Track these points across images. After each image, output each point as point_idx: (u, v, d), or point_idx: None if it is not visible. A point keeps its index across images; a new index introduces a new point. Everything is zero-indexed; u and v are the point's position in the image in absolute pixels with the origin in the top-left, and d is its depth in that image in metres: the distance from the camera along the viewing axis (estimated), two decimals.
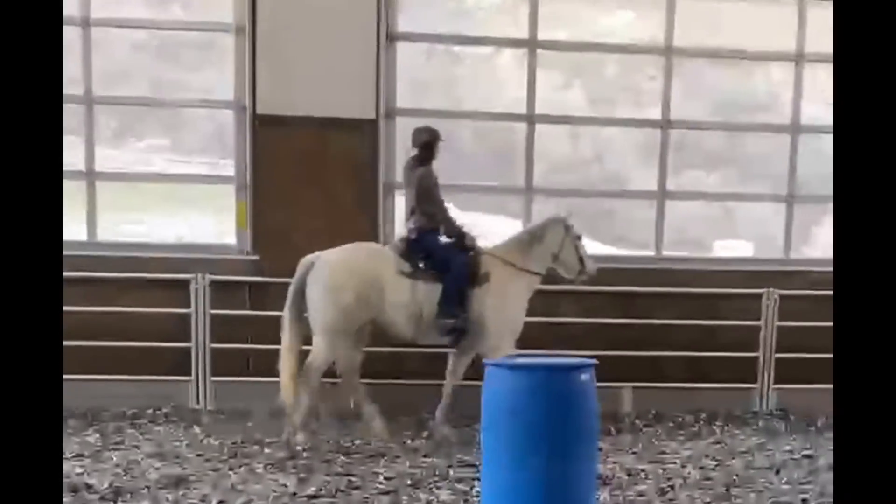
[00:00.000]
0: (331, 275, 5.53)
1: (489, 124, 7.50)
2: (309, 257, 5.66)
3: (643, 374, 6.71)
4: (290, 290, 5.62)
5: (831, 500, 4.18)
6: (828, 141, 7.31)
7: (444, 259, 5.72)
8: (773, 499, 4.29)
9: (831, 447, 5.28)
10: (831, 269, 6.93)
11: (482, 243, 5.96)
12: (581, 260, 5.97)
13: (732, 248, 7.72)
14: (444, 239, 5.86)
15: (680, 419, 6.45)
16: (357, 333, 5.66)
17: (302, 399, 5.52)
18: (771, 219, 7.46)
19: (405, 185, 6.00)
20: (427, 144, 5.80)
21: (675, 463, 5.14)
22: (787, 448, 5.45)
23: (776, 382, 6.81)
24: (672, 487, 4.55)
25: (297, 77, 6.56)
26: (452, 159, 6.89)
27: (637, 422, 6.33)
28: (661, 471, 4.93)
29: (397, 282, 5.61)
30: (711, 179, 7.81)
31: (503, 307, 5.76)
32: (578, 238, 6.04)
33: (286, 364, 5.54)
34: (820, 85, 7.15)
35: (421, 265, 5.70)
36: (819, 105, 7.25)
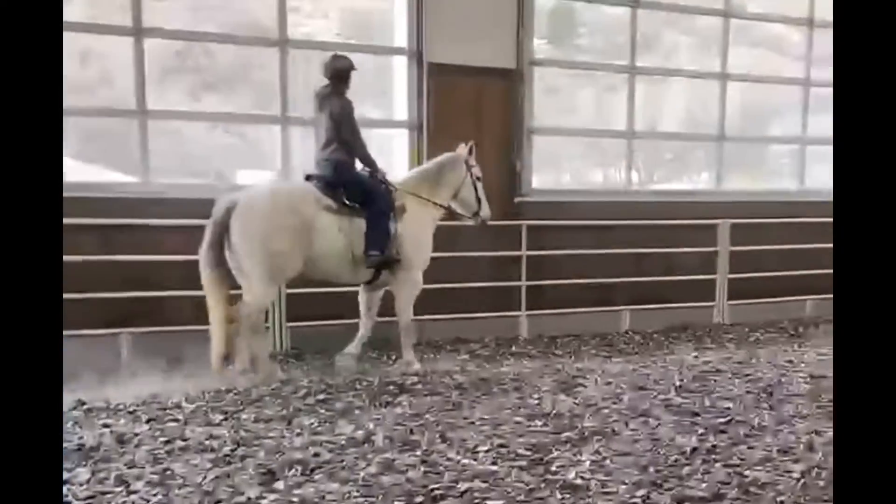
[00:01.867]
0: (260, 218, 5.31)
1: None
2: (227, 199, 5.36)
3: None
4: (209, 233, 5.29)
5: (344, 451, 3.99)
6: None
7: (368, 192, 5.70)
8: (280, 454, 3.87)
9: (345, 392, 5.26)
10: None
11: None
12: (478, 201, 6.28)
13: (255, 177, 7.24)
14: (361, 171, 5.80)
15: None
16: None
17: (241, 345, 5.45)
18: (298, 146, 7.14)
19: (317, 114, 5.78)
20: (342, 73, 5.69)
21: (177, 421, 4.49)
22: (303, 392, 5.14)
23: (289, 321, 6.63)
24: (169, 454, 3.89)
25: None
26: None
27: None
28: (157, 433, 4.23)
29: (325, 218, 5.52)
30: (230, 104, 7.19)
31: (418, 239, 5.95)
32: (478, 178, 6.29)
33: (220, 324, 5.35)
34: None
35: (345, 199, 5.63)
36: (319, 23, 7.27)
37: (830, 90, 8.90)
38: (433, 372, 5.93)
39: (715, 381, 5.54)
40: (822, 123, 8.97)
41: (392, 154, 7.51)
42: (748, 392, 5.15)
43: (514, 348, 7.04)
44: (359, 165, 5.83)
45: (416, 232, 5.94)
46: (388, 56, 7.43)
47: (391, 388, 5.36)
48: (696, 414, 4.64)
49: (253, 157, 7.54)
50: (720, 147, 8.51)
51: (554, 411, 4.73)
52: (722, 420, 4.50)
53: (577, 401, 4.98)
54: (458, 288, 7.04)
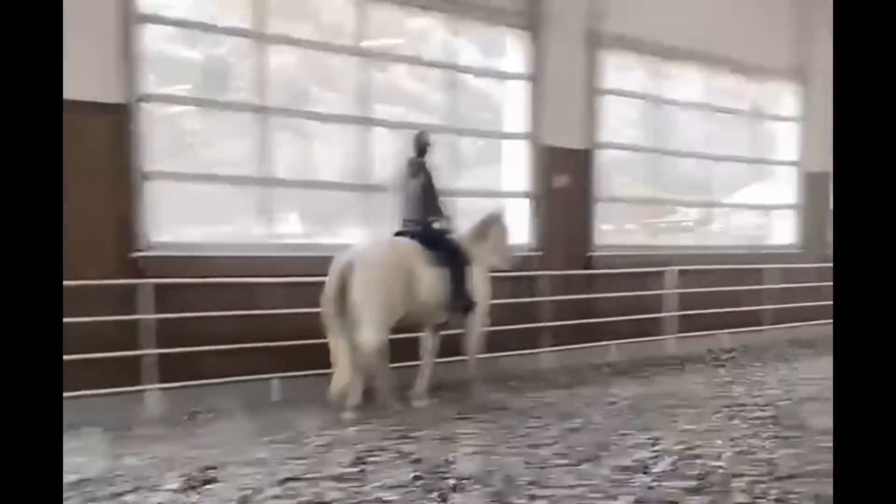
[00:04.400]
0: (379, 272, 6.24)
1: None
2: (345, 256, 6.25)
3: None
4: (332, 289, 6.18)
5: None
6: None
7: (451, 247, 6.84)
8: None
9: None
10: None
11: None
12: (508, 253, 7.48)
13: None
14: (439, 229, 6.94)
15: None
16: None
17: (356, 387, 6.34)
18: None
19: (405, 182, 6.89)
20: (427, 147, 6.97)
21: None
22: None
23: None
24: None
25: None
26: None
27: None
28: None
29: (426, 271, 6.56)
30: None
31: (482, 289, 7.08)
32: (507, 232, 7.50)
33: (345, 366, 6.19)
34: None
35: (437, 254, 6.66)
36: None
37: (478, 143, 9.26)
38: None
39: (376, 462, 4.97)
40: (469, 177, 9.17)
41: None
42: (415, 478, 4.60)
43: (140, 431, 5.85)
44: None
45: (479, 283, 7.05)
46: None
47: None
48: None
49: None
50: (368, 199, 8.16)
51: None
52: None
53: None
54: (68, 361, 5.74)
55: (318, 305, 7.19)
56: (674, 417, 6.23)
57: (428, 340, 7.17)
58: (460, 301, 6.81)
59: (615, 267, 9.68)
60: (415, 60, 8.67)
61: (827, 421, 5.80)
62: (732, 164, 11.75)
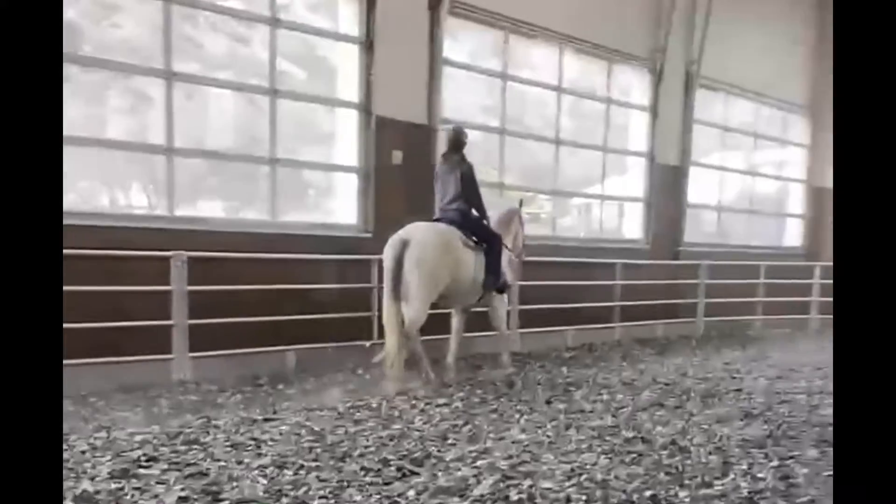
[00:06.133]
0: (431, 252, 6.91)
1: None
2: (399, 237, 6.91)
3: None
4: (391, 267, 6.84)
5: None
6: None
7: (488, 234, 7.59)
8: None
9: None
10: None
11: None
12: (523, 243, 8.53)
13: None
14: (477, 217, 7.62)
15: None
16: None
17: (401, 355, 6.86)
18: None
19: (445, 174, 7.54)
20: (464, 142, 7.62)
21: None
22: None
23: None
24: None
25: None
26: None
27: None
28: None
29: (465, 253, 7.29)
30: None
31: (507, 271, 7.95)
32: (523, 224, 8.50)
33: (400, 343, 6.81)
34: None
35: (474, 239, 7.42)
36: None
37: (311, 110, 8.50)
38: None
39: (146, 474, 4.15)
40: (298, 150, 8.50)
41: None
42: (181, 500, 3.80)
43: None
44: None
45: (505, 268, 7.85)
46: None
47: None
48: None
49: None
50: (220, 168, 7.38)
51: None
52: None
53: None
54: None
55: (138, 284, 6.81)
56: (506, 424, 5.68)
57: (455, 320, 8.09)
58: (493, 282, 7.53)
59: None
60: (229, 11, 7.83)
61: (670, 432, 5.47)
62: (586, 154, 11.51)
